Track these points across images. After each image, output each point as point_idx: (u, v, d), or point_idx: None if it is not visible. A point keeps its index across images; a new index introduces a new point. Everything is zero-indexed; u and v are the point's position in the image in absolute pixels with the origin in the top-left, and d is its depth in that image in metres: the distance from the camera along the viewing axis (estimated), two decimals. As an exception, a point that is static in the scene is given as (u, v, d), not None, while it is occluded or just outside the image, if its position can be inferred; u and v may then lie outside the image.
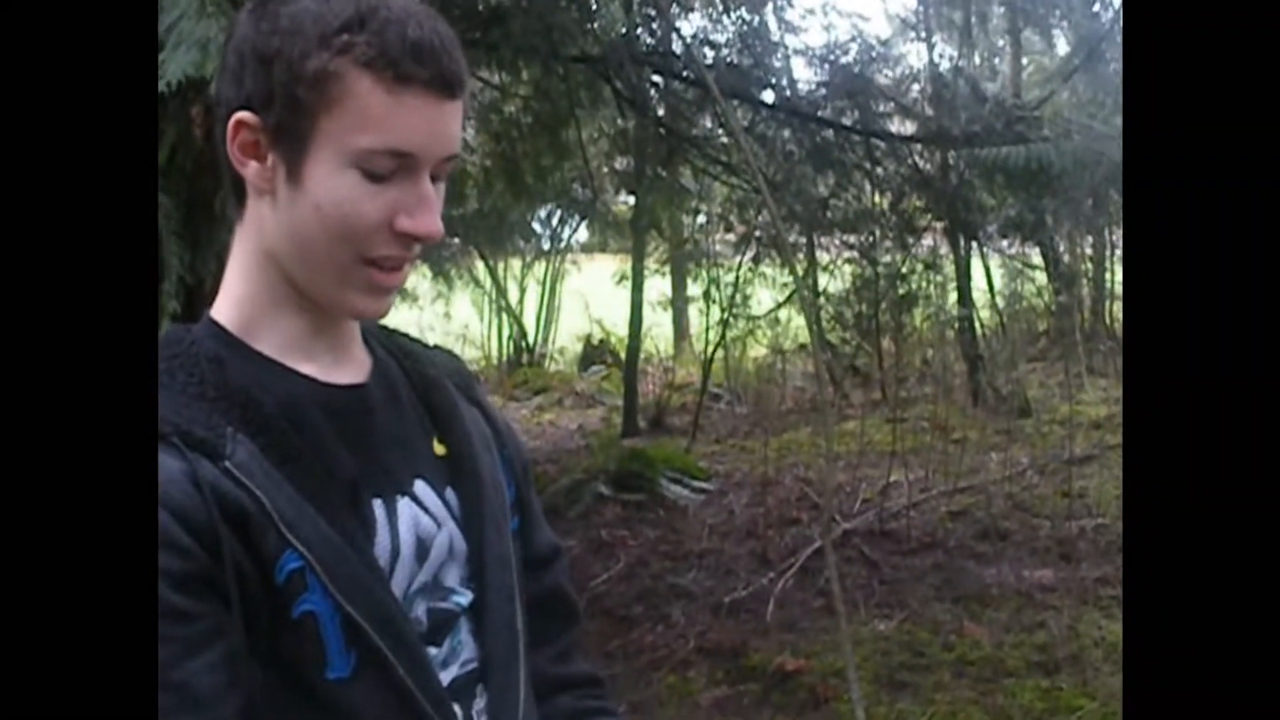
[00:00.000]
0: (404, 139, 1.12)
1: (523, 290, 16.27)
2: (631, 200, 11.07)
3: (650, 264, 12.89)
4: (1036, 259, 12.66)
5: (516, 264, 16.05)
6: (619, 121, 8.38)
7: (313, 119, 1.12)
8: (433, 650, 1.22)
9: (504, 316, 16.02)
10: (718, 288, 11.66)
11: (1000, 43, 13.17)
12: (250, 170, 1.17)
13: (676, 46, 7.31)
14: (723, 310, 11.41)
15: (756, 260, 10.67)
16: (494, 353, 16.02)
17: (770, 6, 7.98)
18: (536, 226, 13.93)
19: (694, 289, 12.97)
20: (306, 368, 1.22)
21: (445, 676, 1.22)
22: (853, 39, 8.34)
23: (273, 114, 1.13)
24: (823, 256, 10.92)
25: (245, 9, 1.18)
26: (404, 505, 1.23)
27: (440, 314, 14.94)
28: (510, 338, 16.00)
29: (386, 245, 1.16)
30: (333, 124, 1.12)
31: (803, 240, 10.08)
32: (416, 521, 1.23)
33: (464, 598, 1.27)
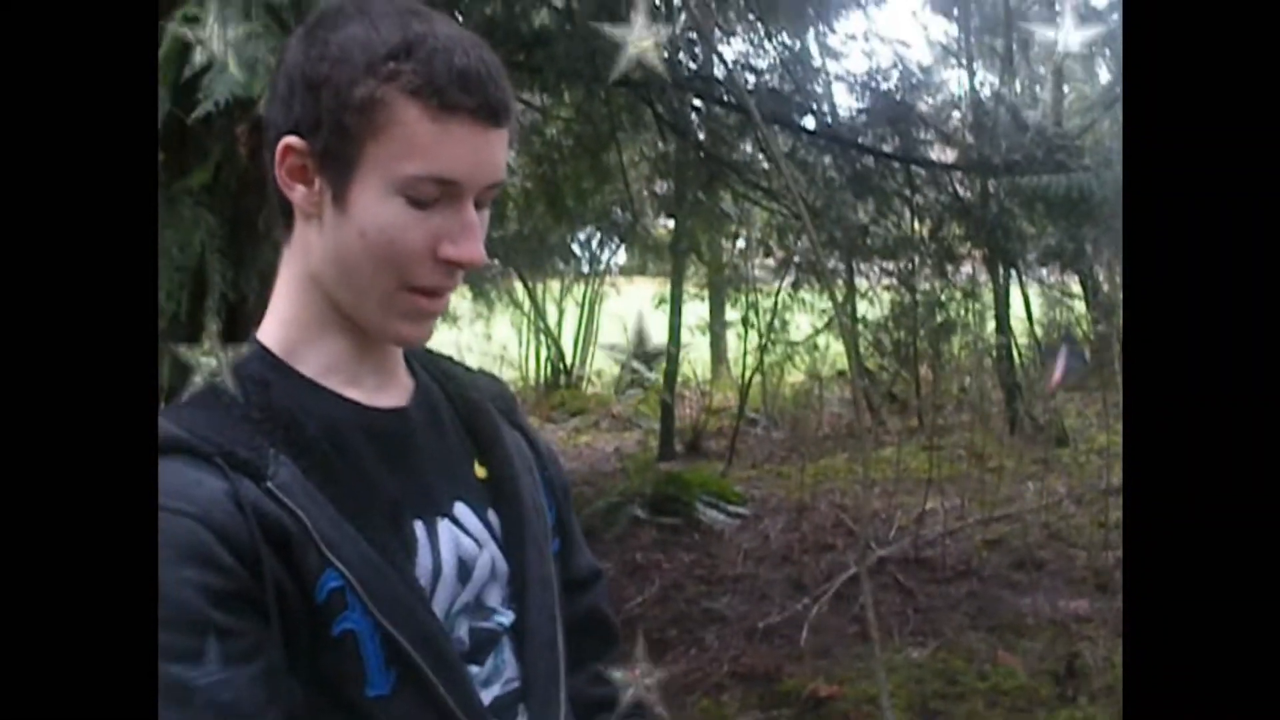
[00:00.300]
0: (449, 167, 1.13)
1: (561, 312, 16.30)
2: (671, 224, 11.04)
3: (689, 288, 12.86)
4: (1076, 288, 12.58)
5: (556, 286, 16.05)
6: (660, 145, 8.36)
7: (359, 145, 1.13)
8: (475, 669, 1.23)
9: (542, 338, 16.01)
10: (756, 313, 11.61)
11: (1041, 70, 13.15)
12: (297, 194, 1.18)
13: (718, 71, 7.31)
14: (761, 335, 11.38)
15: (795, 286, 10.63)
16: (532, 374, 15.99)
17: (812, 32, 7.98)
18: (576, 249, 13.89)
19: (732, 314, 12.92)
20: (350, 391, 1.23)
21: (487, 695, 1.23)
22: (894, 66, 8.28)
23: (320, 139, 1.14)
24: (862, 283, 10.86)
25: (295, 35, 1.19)
26: (444, 527, 1.24)
27: (479, 335, 14.92)
28: (548, 359, 15.99)
29: (430, 273, 1.17)
30: (379, 150, 1.13)
31: (842, 266, 10.04)
32: (458, 542, 1.24)
33: (506, 618, 1.28)
